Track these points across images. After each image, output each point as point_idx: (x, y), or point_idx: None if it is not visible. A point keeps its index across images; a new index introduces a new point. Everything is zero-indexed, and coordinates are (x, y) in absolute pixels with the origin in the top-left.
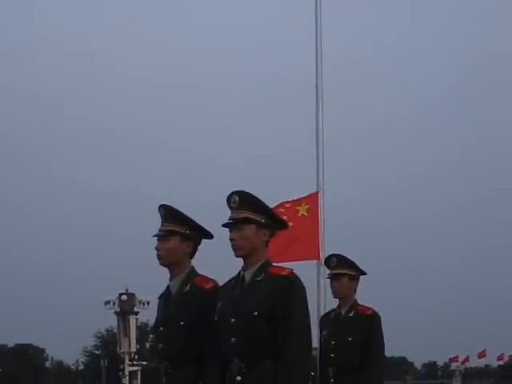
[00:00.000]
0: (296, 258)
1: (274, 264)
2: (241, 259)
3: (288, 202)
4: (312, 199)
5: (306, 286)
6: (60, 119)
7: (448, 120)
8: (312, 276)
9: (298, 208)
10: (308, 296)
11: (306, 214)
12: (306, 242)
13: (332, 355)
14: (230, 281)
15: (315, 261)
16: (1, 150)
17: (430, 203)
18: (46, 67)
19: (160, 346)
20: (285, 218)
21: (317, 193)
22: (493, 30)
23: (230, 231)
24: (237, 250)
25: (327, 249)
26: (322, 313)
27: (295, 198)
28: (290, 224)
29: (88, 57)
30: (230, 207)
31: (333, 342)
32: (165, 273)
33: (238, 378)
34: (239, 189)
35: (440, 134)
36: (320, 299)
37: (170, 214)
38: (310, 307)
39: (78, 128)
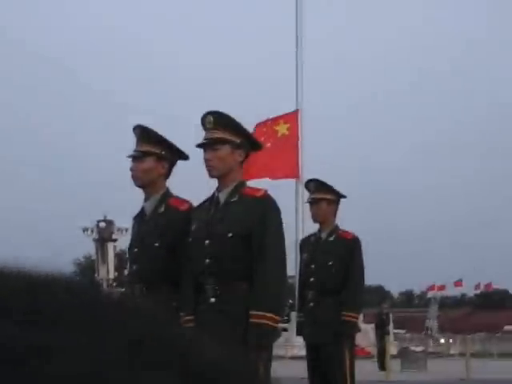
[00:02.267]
0: (276, 176)
1: (249, 185)
2: (215, 180)
3: (267, 120)
4: (291, 118)
5: (286, 207)
6: None
7: None
8: (291, 197)
9: (276, 128)
10: (287, 218)
11: (286, 132)
12: (286, 161)
13: (312, 279)
14: (204, 202)
15: (294, 180)
16: None
17: (419, 126)
18: None
19: (134, 267)
20: (263, 138)
21: (297, 111)
22: None
23: (205, 152)
24: (211, 170)
25: (307, 168)
26: (301, 233)
27: (274, 116)
28: (268, 144)
29: None
30: (205, 128)
31: (312, 266)
32: (142, 198)
33: (212, 300)
34: (214, 109)
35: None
36: (298, 219)
37: (145, 134)
38: (289, 230)
39: None
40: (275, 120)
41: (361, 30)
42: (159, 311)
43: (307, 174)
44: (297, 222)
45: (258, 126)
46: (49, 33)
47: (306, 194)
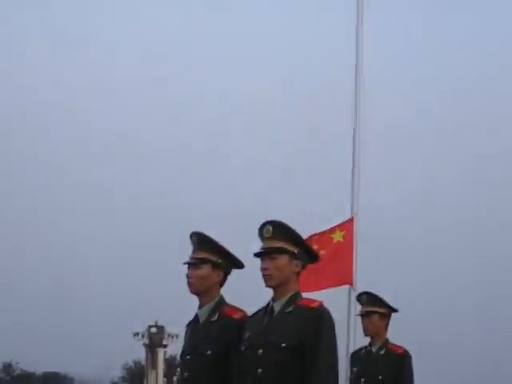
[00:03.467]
0: (328, 284)
1: (305, 296)
2: (268, 290)
3: (324, 231)
4: (347, 225)
5: (336, 318)
6: None
7: None
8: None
9: (332, 236)
10: (338, 329)
11: (341, 240)
12: (340, 268)
13: None
14: (258, 311)
15: (347, 287)
16: None
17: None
18: None
19: (186, 374)
20: (316, 246)
21: (352, 218)
22: None
23: (262, 261)
24: (269, 279)
25: (360, 277)
26: (352, 343)
27: (331, 227)
28: (322, 252)
29: None
30: (262, 237)
31: (363, 380)
32: (194, 305)
33: None
34: (272, 218)
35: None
36: (350, 330)
37: (203, 241)
38: (339, 343)
39: None
40: (332, 229)
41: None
42: None
43: (361, 284)
44: (348, 333)
45: (313, 236)
46: None
47: (359, 306)
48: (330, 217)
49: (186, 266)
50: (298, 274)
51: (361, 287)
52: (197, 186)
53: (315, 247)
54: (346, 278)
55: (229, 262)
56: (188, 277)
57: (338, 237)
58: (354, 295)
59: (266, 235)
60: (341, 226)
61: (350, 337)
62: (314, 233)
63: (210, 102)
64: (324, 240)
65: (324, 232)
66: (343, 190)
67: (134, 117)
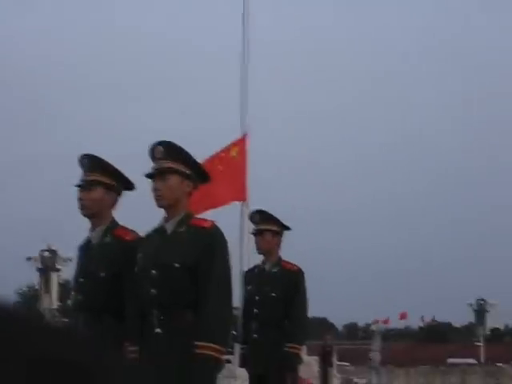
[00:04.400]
0: (223, 202)
1: (197, 215)
2: (161, 210)
3: (222, 151)
4: (240, 142)
5: (229, 237)
6: None
7: None
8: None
9: (230, 154)
10: (230, 248)
11: (235, 155)
12: (233, 184)
13: (255, 310)
14: (150, 232)
15: (240, 204)
16: None
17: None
18: None
19: (79, 297)
20: (220, 166)
21: (244, 135)
22: None
23: (153, 181)
24: (160, 200)
25: (253, 193)
26: (246, 261)
27: (227, 145)
28: (220, 168)
29: None
30: (154, 157)
31: (257, 298)
32: (86, 228)
33: (158, 330)
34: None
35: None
36: (243, 248)
37: (95, 163)
38: (232, 262)
39: None
40: (229, 147)
41: (313, 42)
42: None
43: (254, 200)
44: (241, 251)
45: (214, 157)
46: None
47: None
48: (223, 136)
49: (78, 188)
50: (190, 194)
51: (254, 205)
52: None
53: (218, 166)
54: (239, 195)
55: (120, 184)
56: (80, 199)
57: (233, 153)
58: (246, 212)
59: (157, 156)
60: (235, 143)
61: (243, 255)
62: (214, 153)
63: None
64: (224, 159)
65: (222, 151)
66: (234, 108)
67: None
